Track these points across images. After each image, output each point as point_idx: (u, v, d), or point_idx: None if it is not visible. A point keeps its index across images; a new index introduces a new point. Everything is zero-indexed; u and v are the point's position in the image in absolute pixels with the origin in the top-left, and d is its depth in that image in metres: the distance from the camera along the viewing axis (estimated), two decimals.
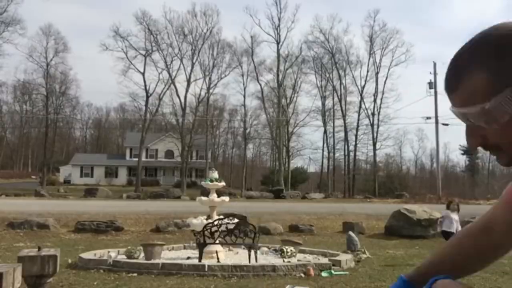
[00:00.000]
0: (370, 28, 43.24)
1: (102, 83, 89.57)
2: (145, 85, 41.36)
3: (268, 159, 63.99)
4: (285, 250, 8.27)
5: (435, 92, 30.80)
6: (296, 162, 52.74)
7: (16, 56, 75.00)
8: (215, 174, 8.64)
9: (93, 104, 73.45)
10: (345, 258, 8.09)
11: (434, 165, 44.66)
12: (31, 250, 6.71)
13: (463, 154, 56.73)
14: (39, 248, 6.56)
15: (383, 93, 43.01)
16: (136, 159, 43.47)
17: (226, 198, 9.23)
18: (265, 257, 8.39)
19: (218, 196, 8.83)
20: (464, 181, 51.15)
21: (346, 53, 43.87)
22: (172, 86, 41.98)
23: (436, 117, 30.43)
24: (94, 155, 57.00)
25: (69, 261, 7.75)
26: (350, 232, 10.14)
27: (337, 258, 8.06)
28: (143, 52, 41.15)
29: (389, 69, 43.02)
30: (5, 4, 34.12)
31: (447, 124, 30.44)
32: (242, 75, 43.65)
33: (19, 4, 43.59)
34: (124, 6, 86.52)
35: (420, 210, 13.15)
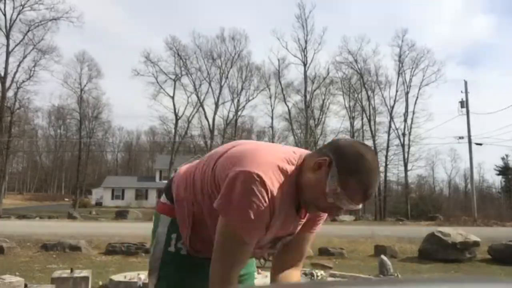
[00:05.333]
0: (398, 48, 42.95)
1: (133, 107, 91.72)
2: (175, 109, 42.15)
3: None
4: (315, 274, 8.10)
5: (467, 111, 30.12)
6: None
7: (51, 82, 77.78)
8: None
9: (124, 128, 75.25)
10: None
11: (469, 186, 43.39)
12: (64, 271, 6.81)
13: (498, 174, 55.02)
14: (72, 270, 6.66)
15: (413, 113, 42.27)
16: (166, 181, 43.75)
17: None
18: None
19: None
20: (501, 202, 49.39)
21: (376, 73, 43.60)
22: (200, 109, 42.63)
23: (469, 136, 29.68)
24: (124, 177, 57.99)
25: (100, 283, 7.80)
26: (383, 256, 9.87)
27: None
28: (173, 77, 42.05)
29: (419, 89, 42.40)
30: (42, 33, 35.62)
31: (480, 144, 29.63)
32: (270, 97, 43.94)
33: (55, 33, 45.55)
34: (154, 31, 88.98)
35: (455, 233, 12.70)
